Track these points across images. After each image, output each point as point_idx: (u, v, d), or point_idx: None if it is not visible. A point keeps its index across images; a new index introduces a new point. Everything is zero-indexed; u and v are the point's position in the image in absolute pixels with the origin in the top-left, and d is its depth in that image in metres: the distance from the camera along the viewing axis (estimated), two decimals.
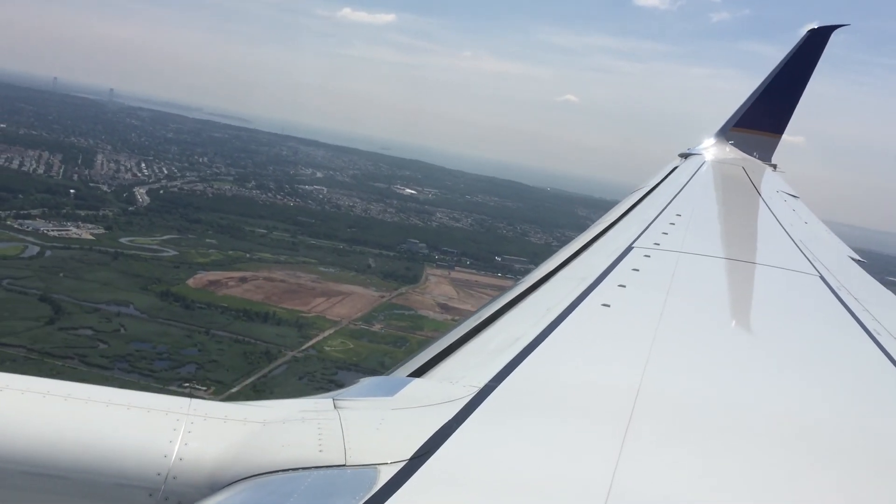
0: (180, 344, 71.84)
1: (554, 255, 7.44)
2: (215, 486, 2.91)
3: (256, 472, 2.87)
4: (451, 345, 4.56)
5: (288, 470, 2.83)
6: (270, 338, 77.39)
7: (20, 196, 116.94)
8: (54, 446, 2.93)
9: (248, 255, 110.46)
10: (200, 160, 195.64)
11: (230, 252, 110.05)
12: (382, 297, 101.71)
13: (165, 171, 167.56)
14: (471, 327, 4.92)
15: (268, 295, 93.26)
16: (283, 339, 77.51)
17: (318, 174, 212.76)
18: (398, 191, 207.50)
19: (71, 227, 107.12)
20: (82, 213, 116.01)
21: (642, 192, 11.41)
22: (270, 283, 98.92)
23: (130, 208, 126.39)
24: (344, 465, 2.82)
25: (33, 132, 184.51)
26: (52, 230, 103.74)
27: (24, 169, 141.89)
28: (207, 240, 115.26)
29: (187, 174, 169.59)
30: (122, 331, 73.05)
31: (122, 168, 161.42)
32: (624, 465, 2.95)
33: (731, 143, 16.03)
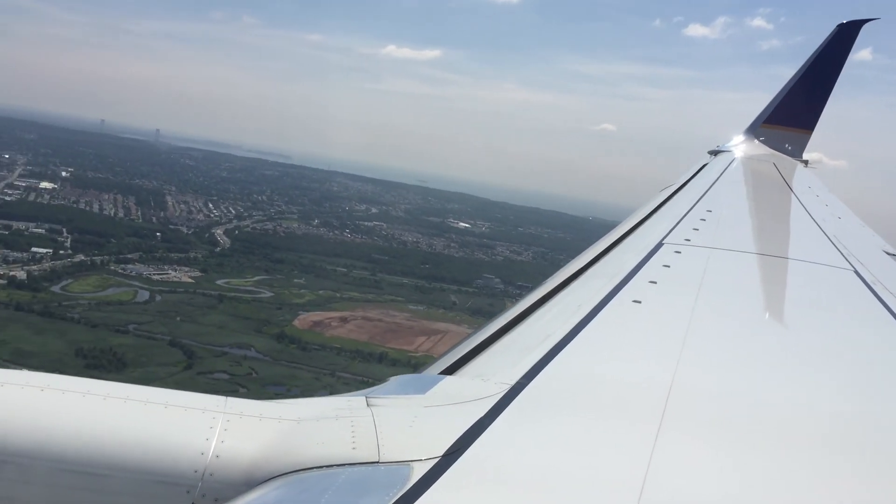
0: (311, 387, 73.62)
1: (584, 252, 7.45)
2: (251, 483, 2.96)
3: (291, 469, 2.92)
4: (482, 342, 4.62)
5: (322, 467, 2.88)
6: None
7: (112, 240, 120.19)
8: (94, 445, 2.98)
9: (338, 295, 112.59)
10: (259, 198, 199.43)
11: (320, 292, 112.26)
12: None
13: (233, 211, 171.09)
14: (502, 324, 4.97)
15: (372, 335, 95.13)
16: None
17: (373, 209, 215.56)
18: (452, 224, 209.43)
19: (169, 271, 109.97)
20: (174, 256, 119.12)
21: (672, 188, 11.38)
22: (370, 322, 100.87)
23: (216, 249, 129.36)
24: (377, 462, 2.86)
25: (100, 175, 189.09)
26: (154, 274, 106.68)
27: (105, 213, 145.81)
28: (295, 280, 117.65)
29: (253, 213, 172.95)
30: (254, 374, 75.26)
31: (193, 209, 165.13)
32: (657, 463, 2.95)
33: (761, 140, 15.83)
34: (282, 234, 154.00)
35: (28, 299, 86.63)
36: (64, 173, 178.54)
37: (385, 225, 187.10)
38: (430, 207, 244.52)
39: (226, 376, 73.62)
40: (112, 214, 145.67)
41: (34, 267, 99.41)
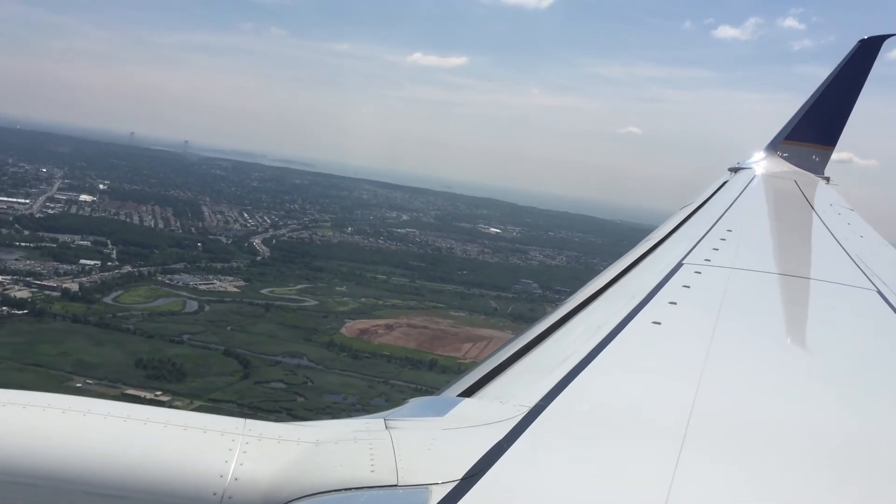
0: (366, 395, 74.20)
1: (604, 272, 7.38)
2: None
3: (310, 492, 2.91)
4: (500, 363, 4.56)
5: (341, 490, 2.88)
6: (444, 385, 79.44)
7: (156, 251, 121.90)
8: (114, 467, 2.98)
9: (380, 302, 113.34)
10: (291, 206, 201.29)
11: (363, 299, 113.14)
12: None
13: (268, 220, 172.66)
14: (521, 346, 4.91)
15: (419, 342, 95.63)
16: None
17: (404, 216, 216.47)
18: (483, 230, 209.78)
19: (214, 281, 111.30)
20: (217, 265, 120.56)
21: (692, 207, 11.27)
22: (415, 329, 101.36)
23: (257, 259, 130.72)
24: (396, 485, 2.86)
25: (135, 187, 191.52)
26: (200, 284, 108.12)
27: (146, 224, 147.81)
28: (337, 288, 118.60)
29: (288, 222, 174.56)
30: (310, 383, 75.92)
31: (229, 219, 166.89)
32: (678, 488, 2.94)
33: (782, 156, 15.60)
34: (318, 242, 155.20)
35: (83, 311, 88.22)
36: (101, 186, 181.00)
37: (417, 231, 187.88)
38: (459, 213, 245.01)
39: (282, 385, 74.41)
40: (152, 225, 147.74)
41: (84, 279, 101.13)
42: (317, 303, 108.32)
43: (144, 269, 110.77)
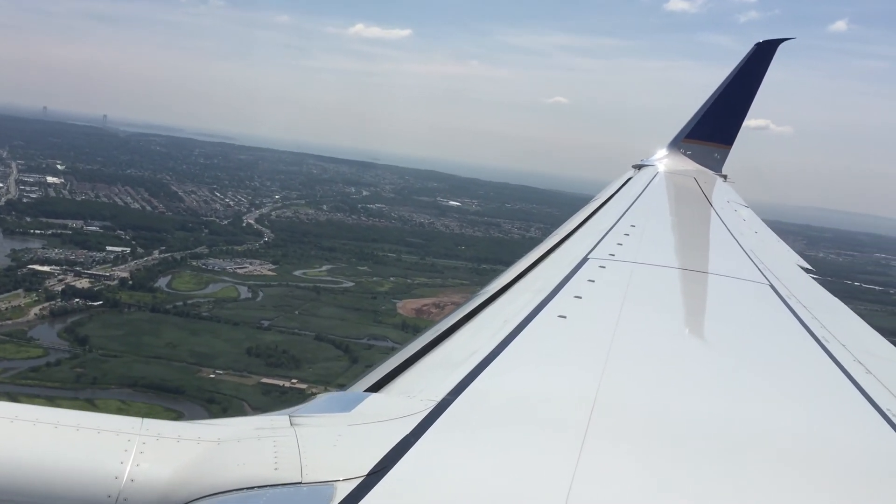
0: None
1: (511, 267, 7.48)
2: None
3: (211, 492, 2.85)
4: (408, 359, 4.57)
5: (243, 489, 2.82)
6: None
7: (167, 235, 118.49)
8: (0, 470, 2.87)
9: (409, 282, 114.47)
10: (252, 184, 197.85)
11: (392, 279, 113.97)
12: None
13: (243, 199, 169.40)
14: (428, 340, 4.93)
15: None
16: None
17: (364, 192, 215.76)
18: (443, 203, 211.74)
19: (246, 264, 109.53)
20: (237, 248, 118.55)
21: (597, 203, 11.62)
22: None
23: (264, 240, 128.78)
24: (300, 483, 2.82)
25: (90, 167, 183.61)
26: (237, 269, 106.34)
27: (134, 207, 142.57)
28: (359, 267, 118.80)
29: (264, 201, 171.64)
30: None
31: (206, 199, 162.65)
32: (581, 477, 3.01)
33: (685, 154, 16.09)
34: (307, 220, 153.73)
35: (150, 300, 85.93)
36: (59, 166, 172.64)
37: (386, 207, 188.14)
38: (412, 187, 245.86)
39: None
40: (141, 208, 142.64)
41: (123, 266, 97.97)
42: (353, 284, 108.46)
43: (177, 255, 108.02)
